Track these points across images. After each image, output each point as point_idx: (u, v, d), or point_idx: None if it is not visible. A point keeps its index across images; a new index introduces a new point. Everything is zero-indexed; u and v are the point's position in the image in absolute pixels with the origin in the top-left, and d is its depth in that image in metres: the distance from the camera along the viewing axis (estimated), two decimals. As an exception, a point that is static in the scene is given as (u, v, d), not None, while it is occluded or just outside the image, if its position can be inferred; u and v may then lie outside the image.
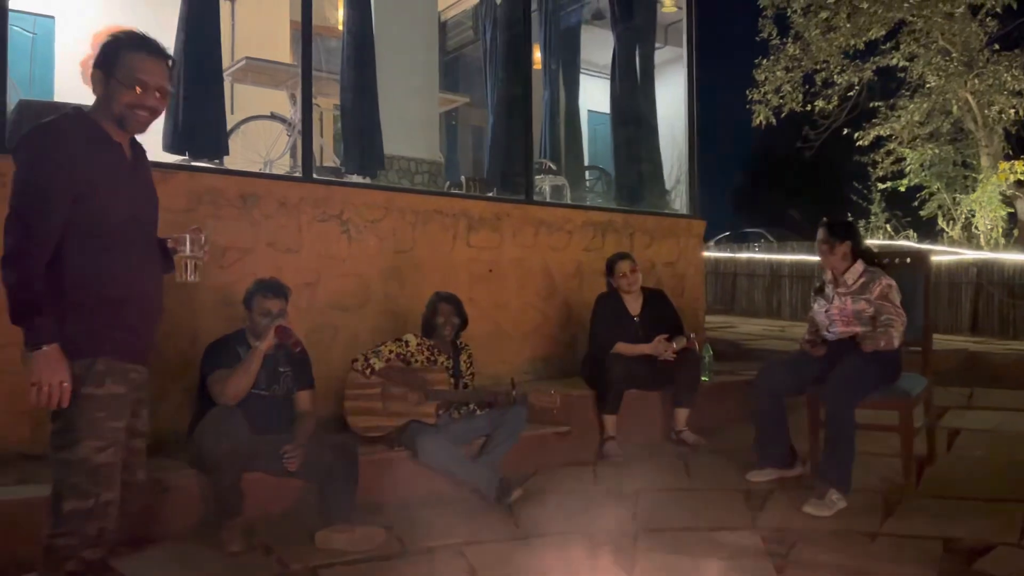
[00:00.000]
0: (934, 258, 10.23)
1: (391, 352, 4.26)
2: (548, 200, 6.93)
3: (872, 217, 15.06)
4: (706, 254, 8.13)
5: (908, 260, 4.54)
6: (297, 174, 5.22)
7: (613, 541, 3.42)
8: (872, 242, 12.92)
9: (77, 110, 2.48)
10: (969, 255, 9.92)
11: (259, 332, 3.65)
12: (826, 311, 4.27)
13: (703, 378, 5.33)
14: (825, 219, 4.39)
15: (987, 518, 3.51)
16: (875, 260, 4.34)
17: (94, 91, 2.48)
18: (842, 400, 3.88)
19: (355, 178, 5.57)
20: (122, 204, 2.46)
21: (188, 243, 2.61)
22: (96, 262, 2.38)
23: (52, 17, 6.81)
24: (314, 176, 5.21)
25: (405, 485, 4.09)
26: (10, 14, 4.19)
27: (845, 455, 3.80)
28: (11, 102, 4.31)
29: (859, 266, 4.25)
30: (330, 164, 6.35)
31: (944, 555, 3.13)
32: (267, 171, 5.52)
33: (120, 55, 2.44)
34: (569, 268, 6.15)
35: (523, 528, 3.64)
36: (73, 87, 6.78)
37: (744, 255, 12.67)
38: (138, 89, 2.43)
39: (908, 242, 12.45)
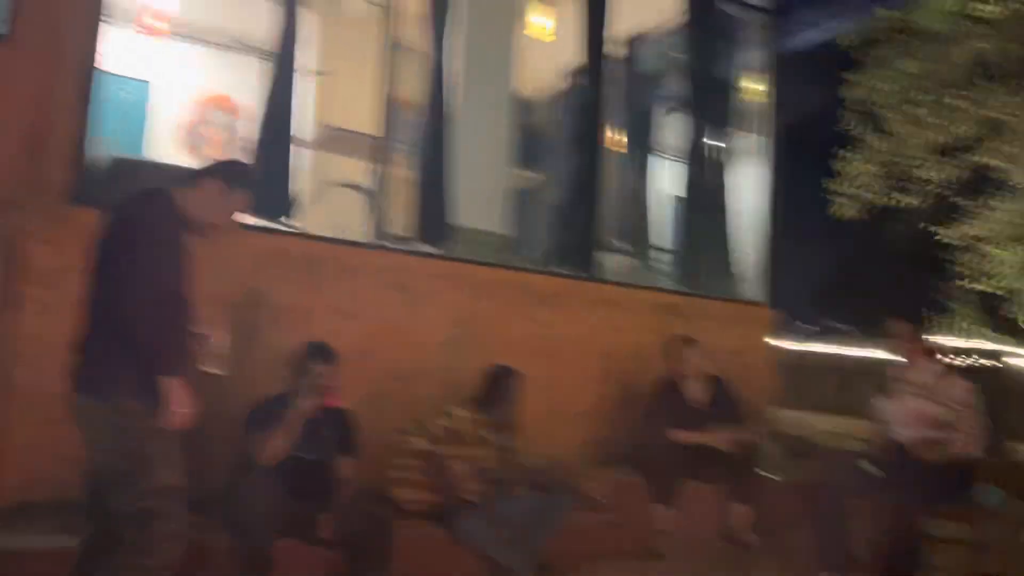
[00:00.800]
0: (1013, 361, 9.76)
1: (442, 426, 4.20)
2: (613, 278, 6.86)
3: (956, 316, 14.52)
4: (774, 343, 7.86)
5: (983, 362, 4.31)
6: (363, 240, 5.29)
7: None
8: (952, 341, 12.37)
9: (169, 191, 2.77)
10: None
11: (304, 395, 3.64)
12: (898, 411, 4.05)
13: (764, 474, 5.10)
14: (908, 314, 4.22)
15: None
16: (949, 360, 4.13)
17: (210, 199, 2.81)
18: (909, 508, 3.66)
19: (422, 247, 5.61)
20: (183, 274, 2.73)
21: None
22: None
23: (146, 81, 7.14)
24: (380, 243, 5.27)
25: (441, 564, 3.99)
26: (108, 77, 4.42)
27: (909, 570, 3.55)
28: (103, 155, 4.53)
29: (937, 365, 4.04)
30: (399, 232, 6.40)
31: None
32: (334, 235, 5.61)
33: (246, 184, 2.92)
34: (629, 350, 6.02)
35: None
36: (164, 147, 7.09)
37: (817, 346, 12.24)
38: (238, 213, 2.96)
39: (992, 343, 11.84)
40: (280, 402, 3.71)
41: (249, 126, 6.65)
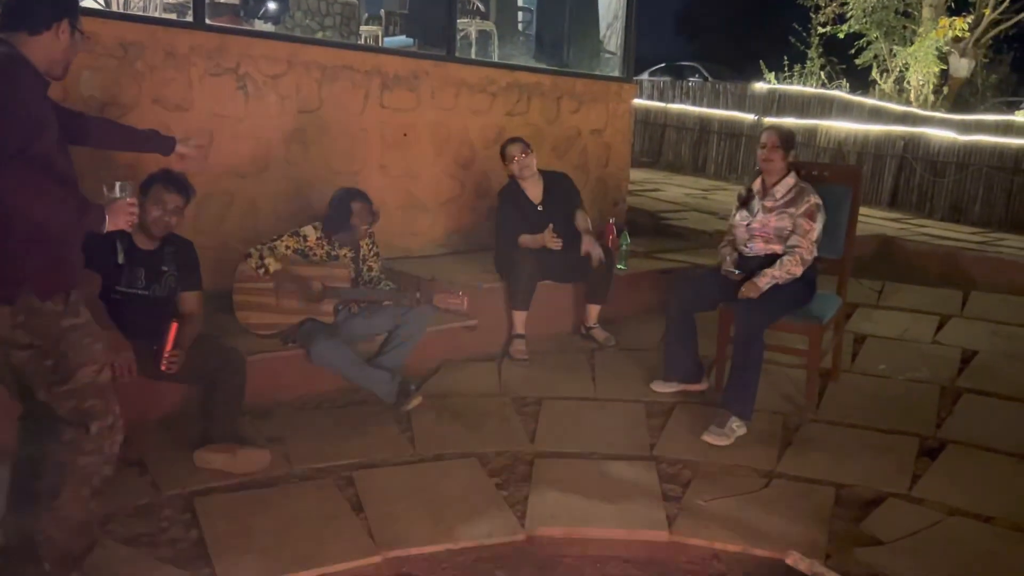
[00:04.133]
0: (862, 127, 10.15)
1: (288, 248, 3.93)
2: (473, 52, 6.41)
3: (808, 62, 14.74)
4: (636, 101, 7.77)
5: (839, 175, 4.35)
6: (187, 19, 4.61)
7: (508, 469, 3.35)
8: (805, 88, 12.65)
9: (14, 48, 2.27)
10: (898, 129, 9.78)
11: (147, 226, 3.27)
12: (747, 224, 4.06)
13: (619, 267, 5.17)
14: (775, 125, 4.11)
15: (880, 457, 3.53)
16: (805, 174, 4.11)
17: (55, 37, 2.33)
18: (752, 323, 3.76)
19: (256, 24, 4.97)
20: (51, 136, 2.33)
21: (117, 189, 2.47)
22: (47, 199, 2.29)
23: None
24: (207, 22, 4.62)
25: (297, 386, 3.92)
26: None
27: (750, 382, 3.73)
28: None
29: (791, 179, 4.01)
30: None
31: (835, 508, 3.13)
32: (151, 12, 4.88)
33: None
34: (490, 134, 5.75)
35: (418, 447, 3.51)
36: None
37: (675, 106, 12.23)
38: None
39: (840, 92, 12.18)
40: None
41: None
